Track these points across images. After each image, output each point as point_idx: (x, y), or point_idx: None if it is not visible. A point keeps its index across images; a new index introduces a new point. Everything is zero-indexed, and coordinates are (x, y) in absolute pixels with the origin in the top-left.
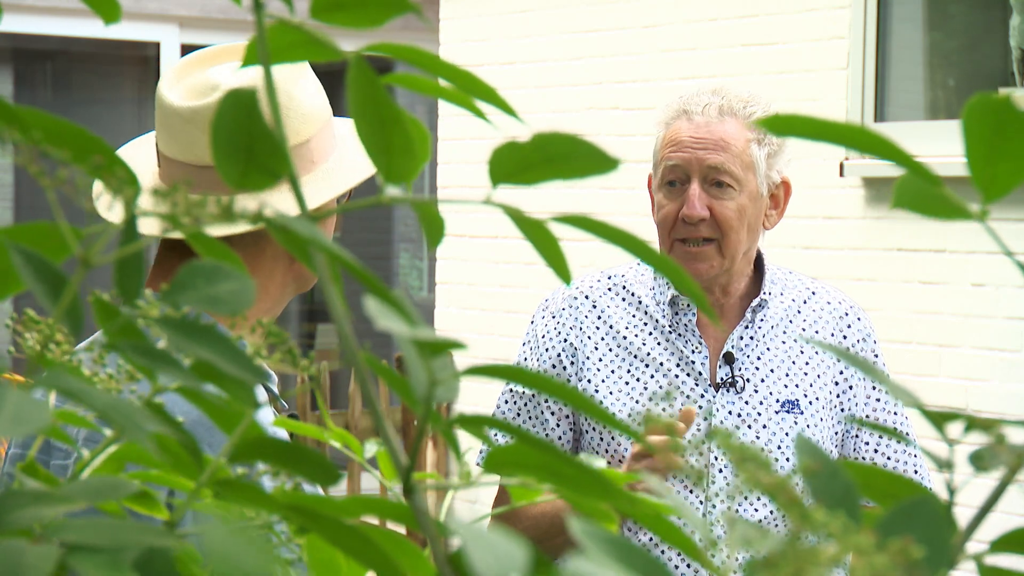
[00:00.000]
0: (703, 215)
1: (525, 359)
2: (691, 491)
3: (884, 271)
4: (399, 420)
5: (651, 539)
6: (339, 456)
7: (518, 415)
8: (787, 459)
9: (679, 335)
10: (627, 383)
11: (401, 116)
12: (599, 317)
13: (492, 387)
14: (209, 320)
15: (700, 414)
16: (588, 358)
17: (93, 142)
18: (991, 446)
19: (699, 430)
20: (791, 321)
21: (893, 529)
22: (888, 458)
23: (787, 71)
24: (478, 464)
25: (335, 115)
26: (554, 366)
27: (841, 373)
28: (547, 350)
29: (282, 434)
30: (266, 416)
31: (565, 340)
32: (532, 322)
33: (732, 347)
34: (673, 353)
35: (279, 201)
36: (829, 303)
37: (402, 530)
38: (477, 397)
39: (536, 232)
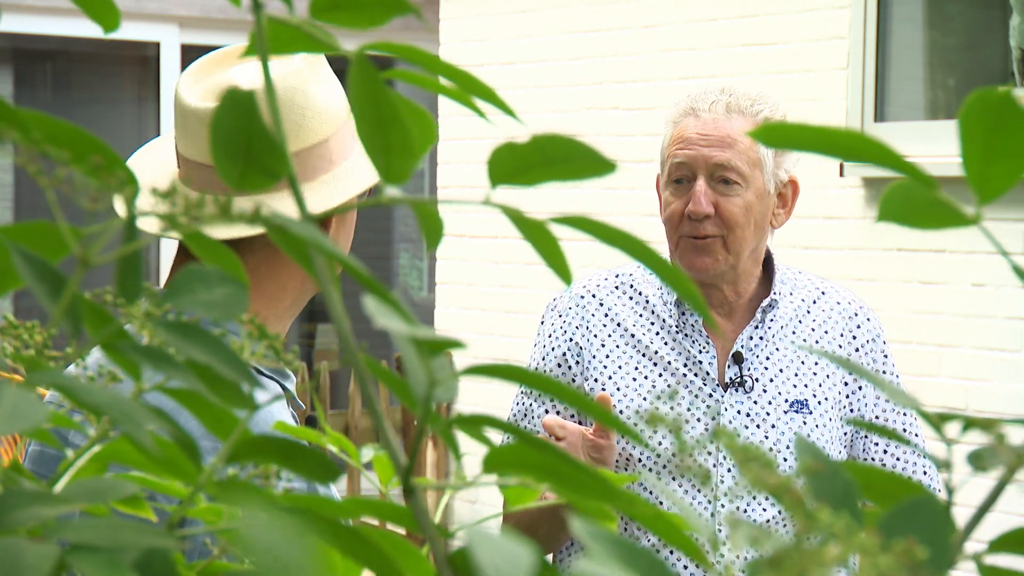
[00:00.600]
0: (708, 211)
1: (533, 357)
2: (698, 491)
3: (884, 271)
4: (399, 420)
5: (659, 540)
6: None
7: (525, 415)
8: (795, 459)
9: (686, 335)
10: (635, 379)
11: (401, 115)
12: (606, 315)
13: (492, 387)
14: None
15: (708, 414)
16: (595, 356)
17: (93, 143)
18: (990, 446)
19: (707, 430)
20: (800, 321)
21: (894, 529)
22: (897, 459)
23: (787, 71)
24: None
25: None
26: (559, 365)
27: (850, 373)
28: (553, 349)
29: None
30: (279, 413)
31: (571, 339)
32: (542, 322)
33: (741, 347)
34: (680, 353)
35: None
36: (839, 303)
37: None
38: (477, 397)
39: (536, 233)
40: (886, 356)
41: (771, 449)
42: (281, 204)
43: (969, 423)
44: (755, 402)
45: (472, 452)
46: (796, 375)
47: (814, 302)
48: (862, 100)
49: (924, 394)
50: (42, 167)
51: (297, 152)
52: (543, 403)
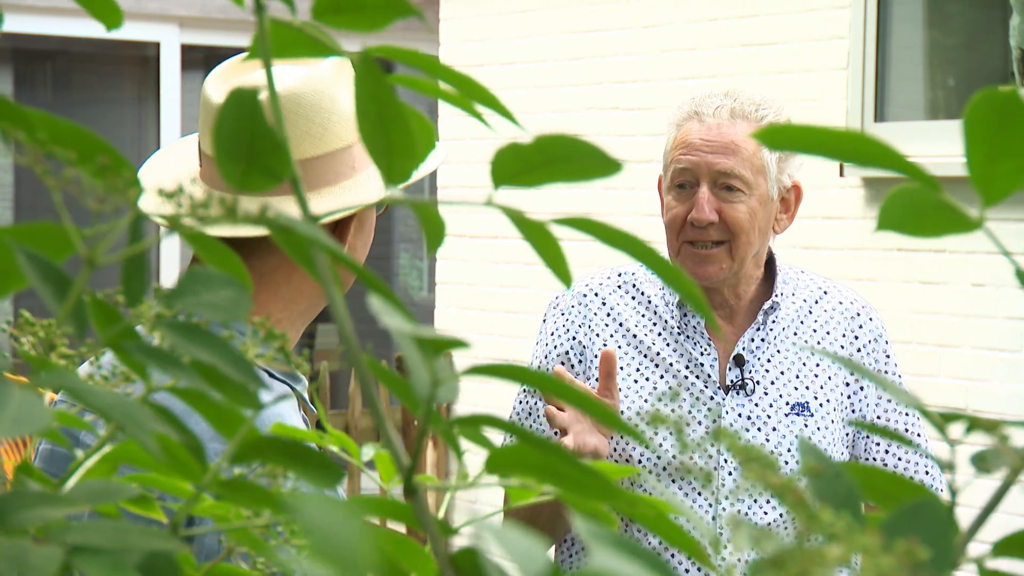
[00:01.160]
0: (712, 219)
1: (535, 356)
2: (699, 493)
3: (884, 271)
4: (399, 420)
5: (660, 542)
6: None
7: (530, 414)
8: (797, 462)
9: (687, 337)
10: (636, 381)
11: (404, 116)
12: (608, 314)
13: (493, 387)
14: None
15: (709, 416)
16: (596, 356)
17: (97, 143)
18: (994, 447)
19: (708, 433)
20: (802, 322)
21: (896, 530)
22: (899, 459)
23: (787, 71)
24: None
25: None
26: (562, 364)
27: (852, 374)
28: (555, 348)
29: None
30: (287, 415)
31: (574, 338)
32: (544, 320)
33: (743, 349)
34: (682, 355)
35: (316, 203)
36: (841, 303)
37: (402, 530)
38: (477, 397)
39: (537, 234)
40: (888, 356)
41: (772, 452)
42: (292, 206)
43: (973, 424)
44: (756, 404)
45: (472, 451)
46: (797, 377)
47: (816, 302)
48: (862, 100)
49: (924, 394)
50: (48, 167)
51: (320, 156)
52: (547, 401)
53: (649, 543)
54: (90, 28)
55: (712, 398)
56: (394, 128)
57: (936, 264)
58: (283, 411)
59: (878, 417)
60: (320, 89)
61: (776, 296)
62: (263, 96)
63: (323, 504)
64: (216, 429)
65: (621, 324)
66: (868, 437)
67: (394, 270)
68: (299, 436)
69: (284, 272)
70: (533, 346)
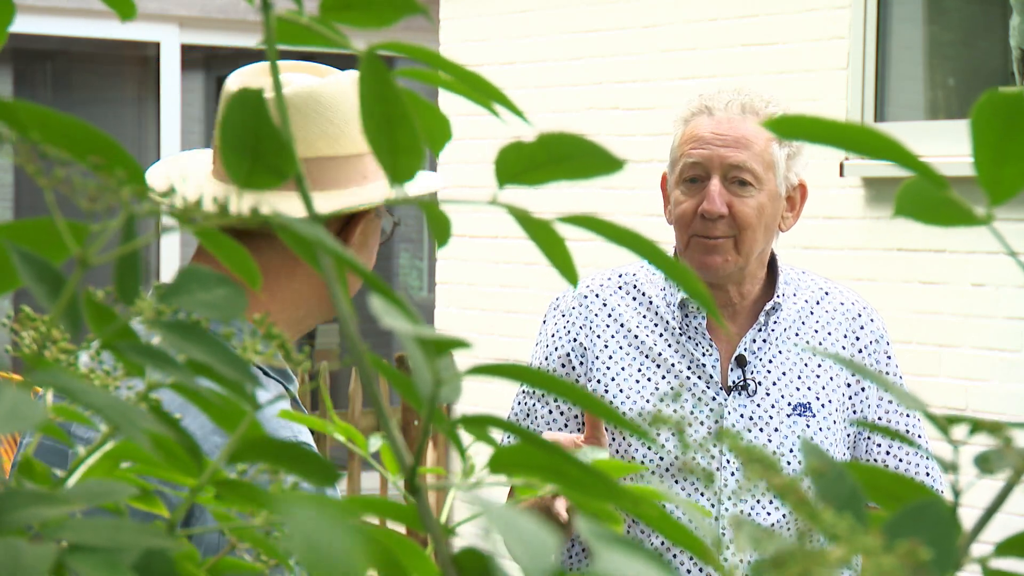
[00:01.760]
0: (723, 212)
1: (535, 357)
2: (701, 493)
3: (884, 271)
4: (399, 420)
5: (663, 543)
6: (338, 456)
7: (528, 415)
8: (799, 462)
9: (689, 338)
10: (637, 381)
11: (409, 115)
12: (609, 315)
13: (493, 387)
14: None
15: (711, 417)
16: (598, 357)
17: (102, 139)
18: (997, 448)
19: (710, 433)
20: (804, 323)
21: (899, 531)
22: (900, 460)
23: (787, 71)
24: None
25: None
26: (563, 365)
27: (853, 375)
28: (556, 349)
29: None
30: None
31: (575, 340)
32: (544, 321)
33: (745, 350)
34: (684, 355)
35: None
36: (843, 303)
37: (402, 530)
38: (478, 397)
39: (542, 233)
40: (889, 357)
41: (775, 453)
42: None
43: (976, 425)
44: (758, 405)
45: (473, 450)
46: (799, 378)
47: (817, 303)
48: (862, 100)
49: (924, 394)
50: (41, 166)
51: (334, 157)
52: (546, 403)
53: (651, 543)
54: (90, 28)
55: (714, 398)
56: (399, 127)
57: (936, 264)
58: (278, 408)
59: (879, 418)
60: (344, 92)
61: (778, 296)
62: (269, 95)
63: (313, 509)
64: (218, 425)
65: (622, 325)
66: (869, 438)
67: (394, 270)
68: (305, 422)
69: (286, 273)
70: (533, 347)
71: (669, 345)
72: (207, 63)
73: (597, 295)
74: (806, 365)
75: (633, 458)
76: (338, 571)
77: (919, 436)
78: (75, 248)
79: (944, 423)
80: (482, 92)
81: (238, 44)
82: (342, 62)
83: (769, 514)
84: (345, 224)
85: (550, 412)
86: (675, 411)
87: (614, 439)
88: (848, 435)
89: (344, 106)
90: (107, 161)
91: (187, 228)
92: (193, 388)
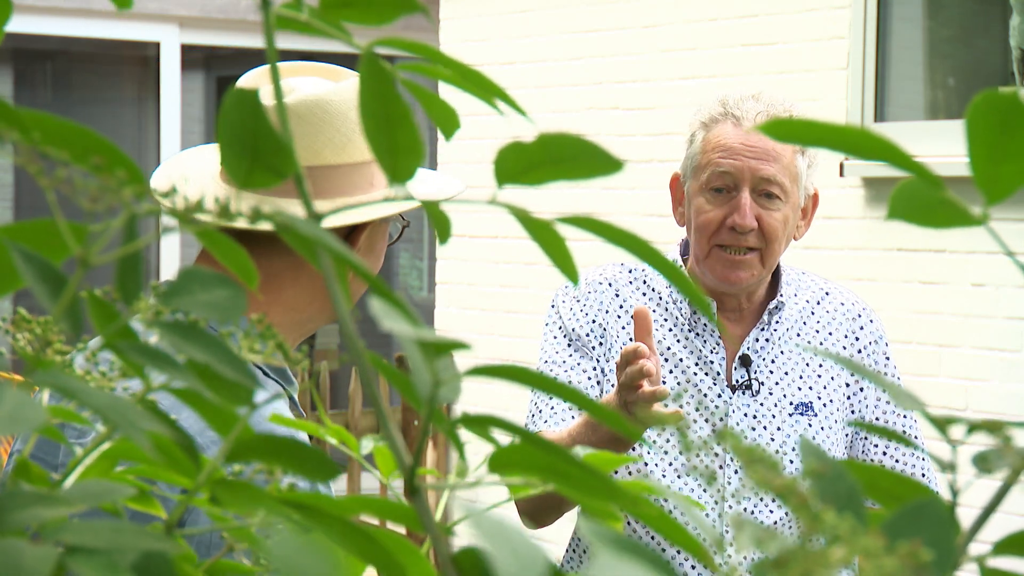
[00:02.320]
0: (753, 226)
1: (554, 337)
2: (704, 490)
3: (884, 271)
4: (399, 420)
5: (663, 540)
6: (339, 455)
7: (545, 399)
8: (801, 462)
9: (697, 334)
10: None
11: (408, 115)
12: (620, 305)
13: (493, 387)
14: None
15: (716, 415)
16: (617, 338)
17: (98, 142)
18: (995, 448)
19: (714, 431)
20: (805, 323)
21: (898, 531)
22: (896, 460)
23: (787, 71)
24: None
25: None
26: (582, 347)
27: (852, 375)
28: (572, 330)
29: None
30: (280, 412)
31: (594, 321)
32: (552, 306)
33: (748, 349)
34: (692, 351)
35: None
36: (843, 304)
37: (402, 530)
38: (477, 397)
39: (543, 233)
40: (888, 358)
41: (777, 452)
42: (300, 208)
43: (974, 426)
44: (761, 404)
45: (473, 450)
46: (801, 377)
47: (818, 303)
48: (862, 100)
49: (924, 394)
50: (42, 167)
51: (340, 165)
52: (567, 371)
53: (653, 538)
54: (90, 28)
55: (720, 395)
56: (399, 127)
57: (936, 264)
58: (277, 409)
59: (876, 418)
60: (351, 100)
61: (780, 296)
62: (269, 96)
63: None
64: (212, 427)
65: (633, 316)
66: (866, 438)
67: (394, 270)
68: (298, 427)
69: (289, 277)
70: (544, 335)
71: (677, 340)
72: (207, 63)
73: (611, 284)
74: (807, 365)
75: (639, 449)
76: None
77: (916, 437)
78: (76, 248)
79: (942, 423)
80: (484, 89)
81: (238, 44)
82: (343, 62)
83: (771, 512)
84: (352, 229)
85: (570, 383)
86: (681, 406)
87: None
88: (846, 435)
89: (352, 113)
90: (107, 162)
91: (187, 228)
92: (193, 389)
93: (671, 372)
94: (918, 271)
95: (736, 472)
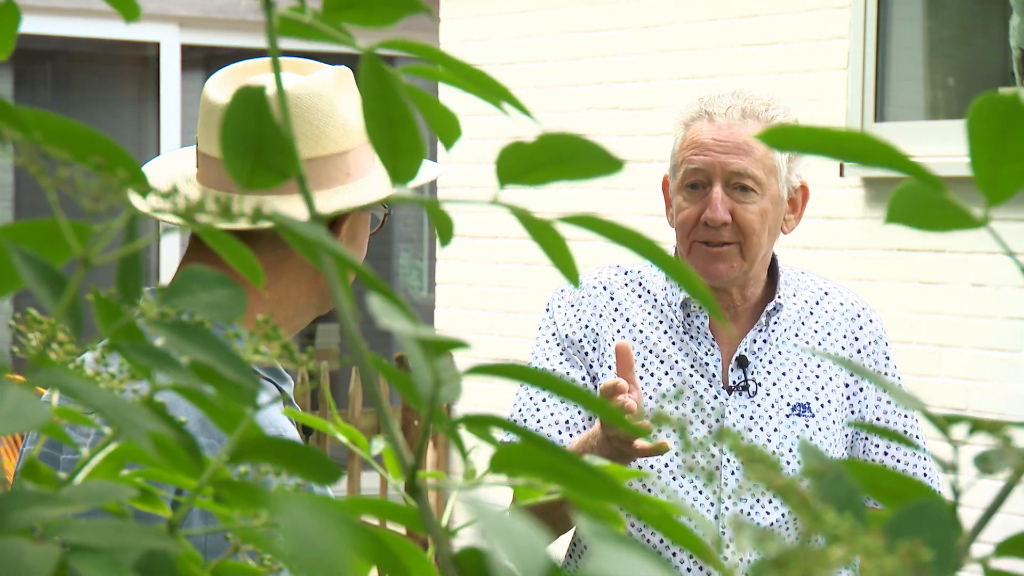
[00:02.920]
0: (725, 219)
1: (539, 346)
2: (700, 492)
3: (884, 271)
4: (400, 420)
5: (661, 540)
6: (338, 455)
7: (531, 412)
8: (798, 462)
9: (692, 337)
10: (641, 377)
11: (410, 115)
12: (616, 309)
13: (493, 387)
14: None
15: (712, 416)
16: (610, 344)
17: (100, 140)
18: (997, 448)
19: (711, 432)
20: (803, 323)
21: (899, 531)
22: (898, 460)
23: (787, 71)
24: None
25: None
26: (575, 353)
27: (852, 375)
28: (566, 336)
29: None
30: (276, 415)
31: (587, 327)
32: (547, 309)
33: (746, 350)
34: (687, 354)
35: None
36: (842, 304)
37: (402, 531)
38: (477, 397)
39: (543, 233)
40: (888, 358)
41: (774, 453)
42: (288, 205)
43: (976, 425)
44: (758, 405)
45: (473, 450)
46: (799, 378)
47: (817, 303)
48: (862, 100)
49: (924, 394)
50: (43, 167)
51: (314, 158)
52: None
53: (648, 542)
54: (90, 28)
55: (716, 397)
56: (400, 127)
57: (936, 264)
58: (271, 411)
59: (877, 418)
60: (318, 93)
61: (778, 297)
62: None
63: (306, 506)
64: (219, 426)
65: (628, 320)
66: (867, 438)
67: (394, 270)
68: (310, 423)
69: (271, 276)
70: (536, 338)
71: (673, 343)
72: (207, 63)
73: (605, 288)
74: (806, 365)
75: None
76: (326, 568)
77: (917, 436)
78: (78, 248)
79: (943, 423)
80: (486, 89)
81: (238, 44)
82: (346, 62)
83: (768, 513)
84: (333, 221)
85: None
86: (677, 408)
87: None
88: (846, 435)
89: (322, 106)
90: (108, 162)
91: (192, 228)
92: (197, 390)
93: (667, 375)
94: (918, 271)
95: (734, 473)
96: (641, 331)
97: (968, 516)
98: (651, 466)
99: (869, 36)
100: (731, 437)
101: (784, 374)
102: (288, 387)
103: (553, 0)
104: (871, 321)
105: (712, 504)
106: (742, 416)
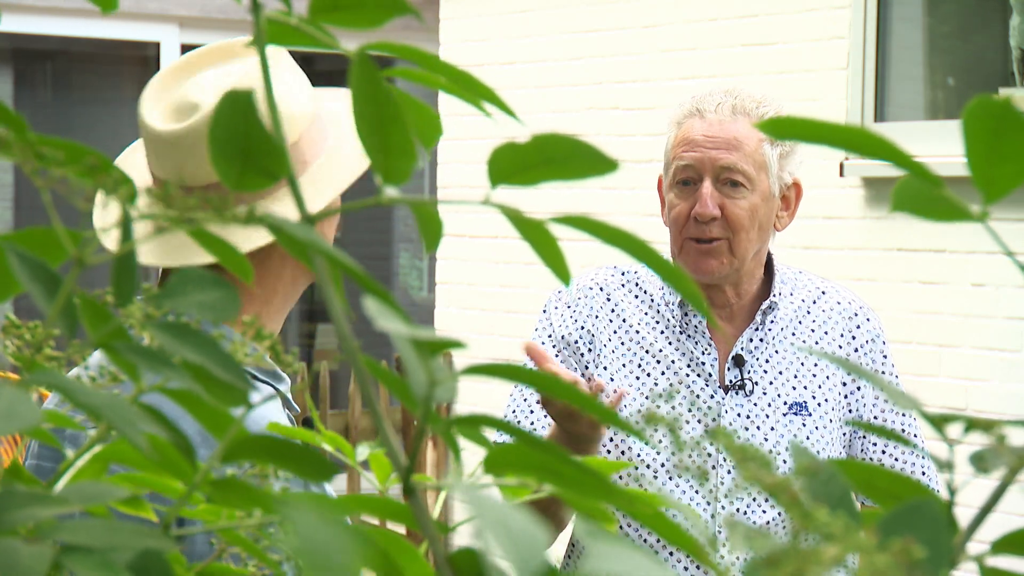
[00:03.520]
0: (715, 214)
1: (542, 343)
2: (696, 491)
3: (884, 271)
4: (399, 420)
5: (658, 540)
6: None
7: (524, 414)
8: (792, 462)
9: (688, 336)
10: (638, 378)
11: (401, 116)
12: (612, 310)
13: (492, 387)
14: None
15: (709, 415)
16: (604, 346)
17: (87, 152)
18: (992, 447)
19: (706, 431)
20: (800, 322)
21: (894, 529)
22: (896, 459)
23: (787, 71)
24: None
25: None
26: (571, 354)
27: (849, 374)
28: (562, 337)
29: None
30: (273, 414)
31: (583, 328)
32: (544, 311)
33: (742, 349)
34: (684, 353)
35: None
36: (839, 303)
37: (401, 530)
38: (476, 397)
39: (535, 233)
40: (885, 356)
41: (771, 452)
42: (274, 206)
43: (971, 424)
44: (755, 404)
45: (471, 450)
46: (796, 377)
47: (814, 302)
48: (862, 100)
49: (924, 394)
50: (38, 167)
51: None
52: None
53: (644, 542)
54: (90, 28)
55: (712, 396)
56: (391, 128)
57: (936, 264)
58: (269, 411)
59: (875, 417)
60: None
61: (774, 296)
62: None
63: (310, 507)
64: (207, 429)
65: (624, 320)
66: (865, 437)
67: (394, 270)
68: (294, 435)
69: (256, 276)
70: (532, 340)
71: (669, 342)
72: None
73: (602, 288)
74: (802, 364)
75: (631, 447)
76: (333, 569)
77: (915, 435)
78: (72, 249)
79: (939, 422)
80: (474, 92)
81: None
82: (340, 61)
83: (764, 512)
84: None
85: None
86: (672, 408)
87: (612, 437)
88: (844, 434)
89: (275, 102)
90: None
91: (181, 228)
92: (186, 390)
93: (663, 374)
94: (918, 271)
95: (729, 472)
96: (637, 331)
97: (965, 515)
98: (647, 466)
99: (869, 36)
100: (725, 437)
101: (781, 373)
102: (285, 386)
103: (553, 0)
104: (868, 320)
105: (708, 504)
106: (739, 415)
